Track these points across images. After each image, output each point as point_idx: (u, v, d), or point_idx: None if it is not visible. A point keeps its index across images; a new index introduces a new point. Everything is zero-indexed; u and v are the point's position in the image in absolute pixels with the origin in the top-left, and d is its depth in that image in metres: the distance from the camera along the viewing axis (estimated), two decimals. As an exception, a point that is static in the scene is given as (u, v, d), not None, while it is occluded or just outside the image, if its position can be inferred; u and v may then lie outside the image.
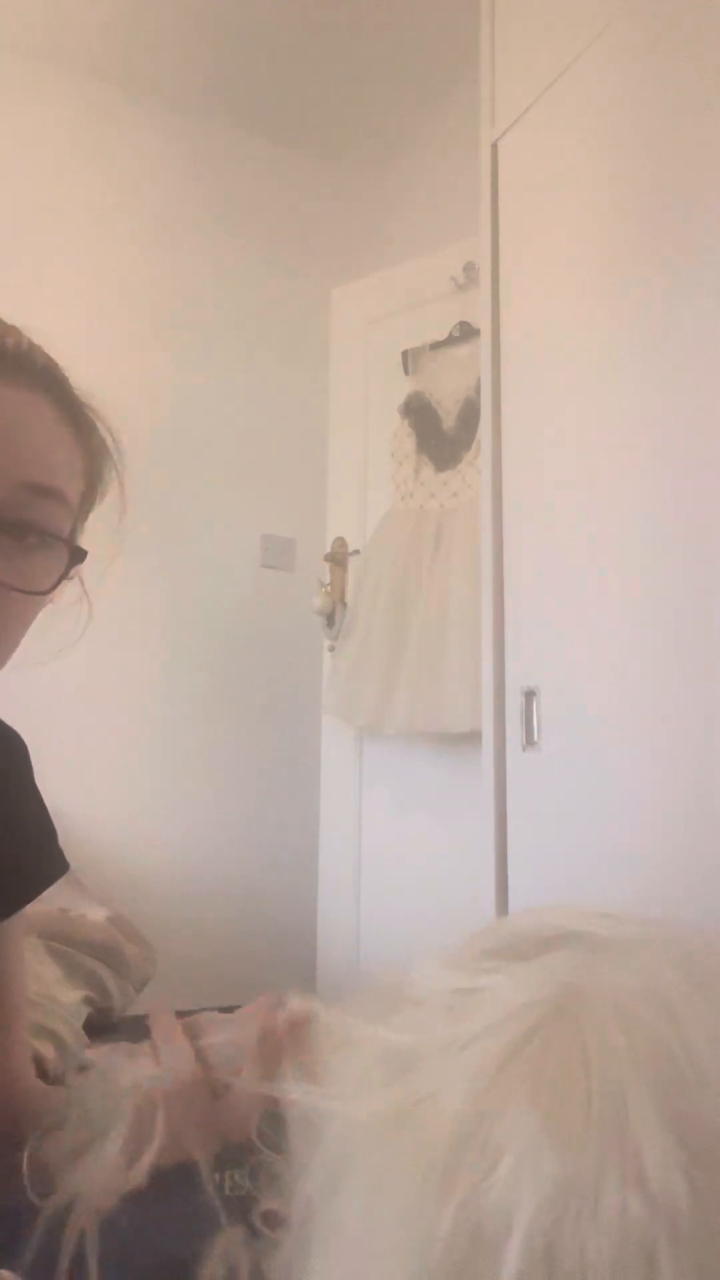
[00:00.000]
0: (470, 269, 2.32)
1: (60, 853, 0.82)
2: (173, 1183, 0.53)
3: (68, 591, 0.67)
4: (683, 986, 0.42)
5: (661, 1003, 0.41)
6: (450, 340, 2.41)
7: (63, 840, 0.82)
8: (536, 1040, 0.40)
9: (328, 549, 2.62)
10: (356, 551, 2.55)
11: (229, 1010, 0.63)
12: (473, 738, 1.87)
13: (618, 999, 0.41)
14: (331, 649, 2.54)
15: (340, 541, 2.61)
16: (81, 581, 0.69)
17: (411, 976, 0.49)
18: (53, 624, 0.68)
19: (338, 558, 2.59)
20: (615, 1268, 0.35)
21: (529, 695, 1.63)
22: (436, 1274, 0.37)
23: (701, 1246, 0.35)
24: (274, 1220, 0.45)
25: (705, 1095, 0.38)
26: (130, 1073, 0.58)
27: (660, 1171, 0.36)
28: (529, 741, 1.63)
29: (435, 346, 2.45)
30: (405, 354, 2.50)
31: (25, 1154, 0.55)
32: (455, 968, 0.49)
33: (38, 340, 0.63)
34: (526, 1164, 0.37)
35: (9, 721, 0.81)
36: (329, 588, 2.57)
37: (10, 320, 0.64)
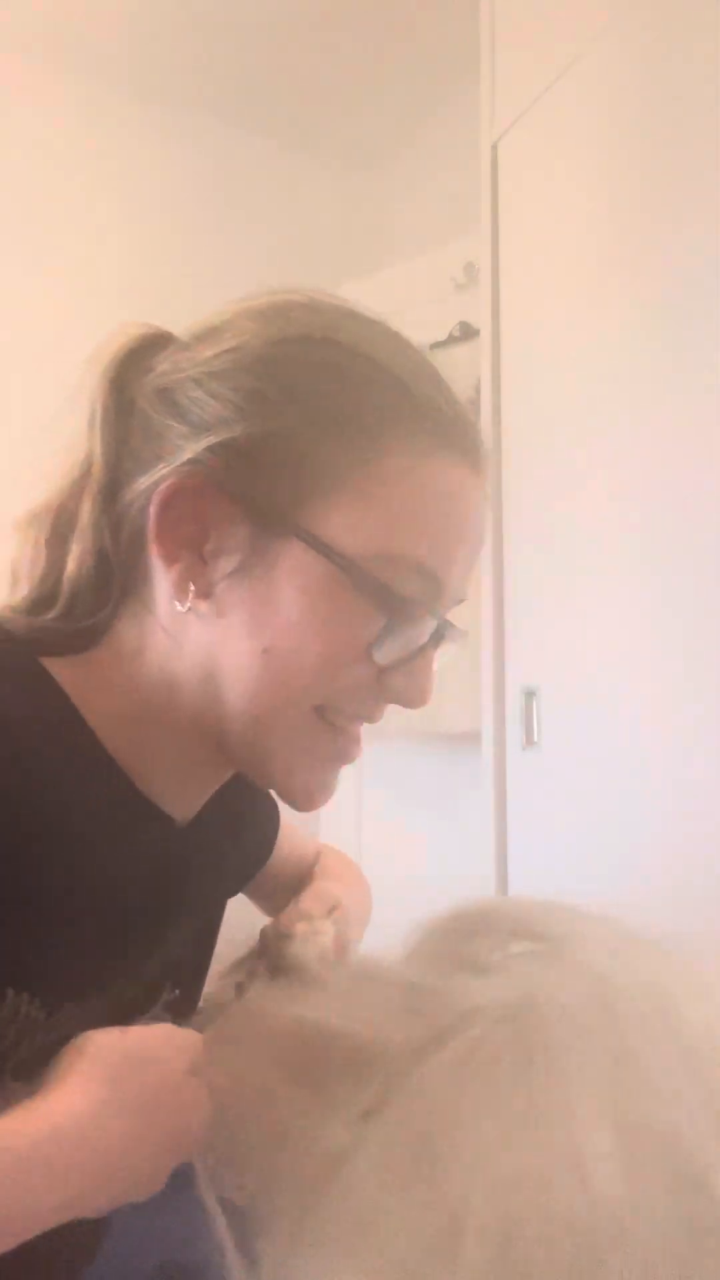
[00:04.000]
0: (470, 269, 2.31)
1: None
2: (170, 1185, 0.53)
3: None
4: (630, 990, 0.43)
5: (608, 1008, 0.42)
6: (450, 340, 2.41)
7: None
8: (487, 1048, 0.41)
9: (328, 549, 2.62)
10: (357, 551, 2.55)
11: None
12: (473, 738, 1.87)
13: (567, 1004, 0.43)
14: (331, 649, 2.54)
15: (340, 541, 2.61)
16: None
17: (373, 964, 0.51)
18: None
19: (338, 557, 2.59)
20: (564, 1266, 0.36)
21: (529, 695, 1.63)
22: (395, 1275, 0.38)
23: (646, 1242, 0.36)
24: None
25: (648, 1098, 0.39)
26: None
27: (603, 1173, 0.37)
28: (529, 741, 1.63)
29: (435, 346, 2.44)
30: (405, 354, 2.50)
31: None
32: (414, 960, 0.51)
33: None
34: (478, 1169, 0.38)
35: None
36: (329, 588, 2.56)
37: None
